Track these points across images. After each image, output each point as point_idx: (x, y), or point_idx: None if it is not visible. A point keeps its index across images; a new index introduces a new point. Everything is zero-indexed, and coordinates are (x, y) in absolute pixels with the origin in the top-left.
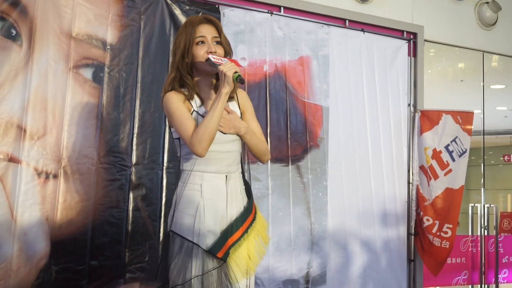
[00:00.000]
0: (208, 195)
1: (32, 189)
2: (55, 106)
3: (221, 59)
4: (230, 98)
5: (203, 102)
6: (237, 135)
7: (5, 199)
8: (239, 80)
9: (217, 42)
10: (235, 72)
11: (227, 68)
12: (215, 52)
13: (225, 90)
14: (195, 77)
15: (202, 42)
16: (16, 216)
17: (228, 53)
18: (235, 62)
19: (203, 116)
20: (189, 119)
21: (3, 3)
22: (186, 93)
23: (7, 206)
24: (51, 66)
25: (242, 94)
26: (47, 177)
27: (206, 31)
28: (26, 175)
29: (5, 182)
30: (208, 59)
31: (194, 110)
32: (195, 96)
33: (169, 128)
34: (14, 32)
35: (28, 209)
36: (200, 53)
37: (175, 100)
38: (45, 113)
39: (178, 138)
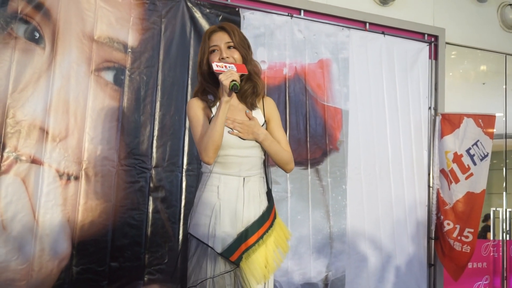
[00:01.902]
0: (225, 196)
1: (54, 190)
2: (77, 108)
3: (225, 66)
4: (254, 106)
5: None
6: (256, 141)
7: (27, 200)
8: (233, 88)
9: (231, 47)
10: (232, 81)
11: (225, 77)
12: (227, 58)
13: (224, 99)
14: (218, 85)
15: (215, 50)
16: (38, 217)
17: (244, 56)
18: (241, 67)
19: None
20: (201, 127)
21: (27, 7)
22: (210, 100)
23: (30, 207)
24: (73, 68)
25: (269, 102)
26: (68, 178)
27: (218, 39)
28: (48, 177)
29: (27, 184)
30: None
31: (213, 116)
32: (218, 103)
33: None
34: (37, 35)
35: (50, 210)
36: (214, 61)
37: (193, 107)
38: (67, 115)
39: None
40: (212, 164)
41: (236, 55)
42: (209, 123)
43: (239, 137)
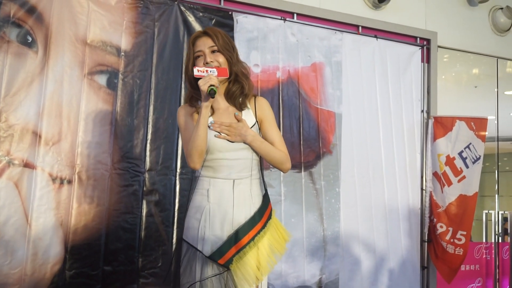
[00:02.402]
0: (215, 199)
1: (47, 194)
2: (70, 112)
3: (207, 71)
4: (243, 107)
5: (213, 113)
6: (245, 143)
7: (20, 204)
8: (210, 94)
9: (215, 51)
10: (210, 86)
11: (203, 82)
12: (211, 62)
13: (204, 104)
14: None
15: (200, 56)
16: (31, 221)
17: (229, 59)
18: (223, 71)
19: (209, 127)
20: (187, 133)
21: (20, 10)
22: (199, 106)
23: (22, 211)
24: (66, 72)
25: (261, 102)
26: (61, 182)
27: (202, 44)
28: (41, 181)
29: (20, 187)
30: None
31: None
32: None
33: None
34: (30, 39)
35: (43, 214)
36: (198, 66)
37: (182, 114)
38: (60, 119)
39: None
40: (201, 168)
41: (221, 58)
42: None
43: (228, 140)
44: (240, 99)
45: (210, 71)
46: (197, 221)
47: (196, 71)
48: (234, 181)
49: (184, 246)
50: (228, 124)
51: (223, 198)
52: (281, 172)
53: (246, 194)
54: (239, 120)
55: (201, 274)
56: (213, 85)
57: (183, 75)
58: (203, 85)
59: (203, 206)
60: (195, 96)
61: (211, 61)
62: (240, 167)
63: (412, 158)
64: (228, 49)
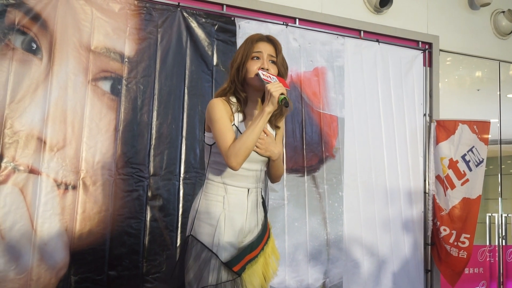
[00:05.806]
0: (230, 207)
1: (52, 200)
2: (74, 118)
3: (270, 77)
4: (276, 128)
5: (245, 118)
6: (269, 158)
7: (25, 210)
8: (283, 103)
9: (273, 62)
10: (281, 94)
11: (274, 88)
12: (267, 70)
13: (269, 109)
14: (245, 90)
15: (257, 57)
16: (36, 227)
17: (282, 75)
18: (283, 82)
19: (241, 133)
20: (230, 130)
21: (24, 18)
22: (233, 104)
23: (28, 217)
24: (71, 79)
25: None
26: (66, 188)
27: (263, 48)
28: (46, 186)
29: (25, 193)
30: (257, 74)
31: (234, 124)
32: (239, 111)
33: (203, 132)
34: (34, 46)
35: (48, 220)
36: (253, 68)
37: (221, 108)
38: (64, 125)
39: (211, 145)
40: (214, 171)
41: (274, 70)
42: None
43: (256, 152)
44: (275, 120)
45: (273, 78)
46: (211, 227)
47: (262, 75)
48: (248, 190)
49: (197, 247)
50: (262, 137)
51: (238, 206)
52: (284, 176)
53: (256, 203)
54: (266, 134)
55: (217, 279)
56: (284, 94)
57: (187, 80)
58: (275, 91)
59: (218, 213)
60: (239, 95)
61: (267, 69)
62: (254, 178)
63: (415, 162)
64: (284, 66)
